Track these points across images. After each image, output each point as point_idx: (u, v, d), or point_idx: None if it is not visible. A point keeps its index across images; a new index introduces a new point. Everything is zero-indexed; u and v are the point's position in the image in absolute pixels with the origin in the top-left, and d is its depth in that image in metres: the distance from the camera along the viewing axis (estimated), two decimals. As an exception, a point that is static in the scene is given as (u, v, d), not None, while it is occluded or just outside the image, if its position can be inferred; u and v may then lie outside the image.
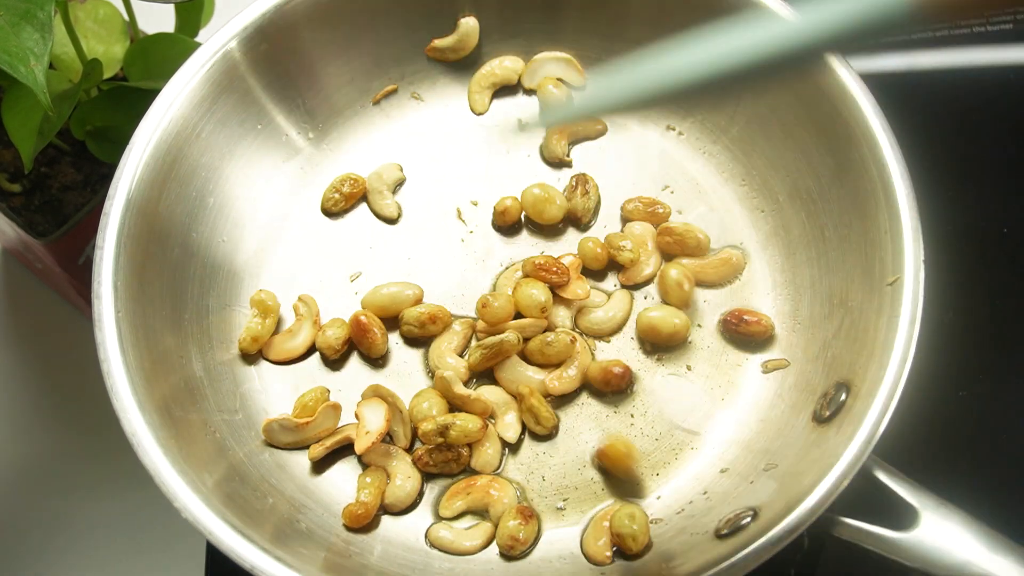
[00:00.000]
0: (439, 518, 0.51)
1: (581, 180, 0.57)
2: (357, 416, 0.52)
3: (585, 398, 0.54)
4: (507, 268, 0.57)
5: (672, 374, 0.54)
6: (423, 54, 0.60)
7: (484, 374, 0.54)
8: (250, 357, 0.55)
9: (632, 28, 0.59)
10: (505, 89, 0.61)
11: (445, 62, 0.61)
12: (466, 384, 0.53)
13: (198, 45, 0.55)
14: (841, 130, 0.53)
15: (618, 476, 0.52)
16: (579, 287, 0.55)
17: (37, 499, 0.62)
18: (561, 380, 0.53)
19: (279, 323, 0.55)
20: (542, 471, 0.52)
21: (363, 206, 0.59)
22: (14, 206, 0.57)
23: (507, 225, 0.58)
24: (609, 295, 0.56)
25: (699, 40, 0.37)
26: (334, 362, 0.55)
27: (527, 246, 0.57)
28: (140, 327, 0.49)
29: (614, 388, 0.53)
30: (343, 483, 0.52)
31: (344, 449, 0.53)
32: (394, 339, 0.55)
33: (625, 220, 0.58)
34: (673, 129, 0.60)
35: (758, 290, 0.56)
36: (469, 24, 0.59)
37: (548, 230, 0.58)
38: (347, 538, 0.50)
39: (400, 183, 0.58)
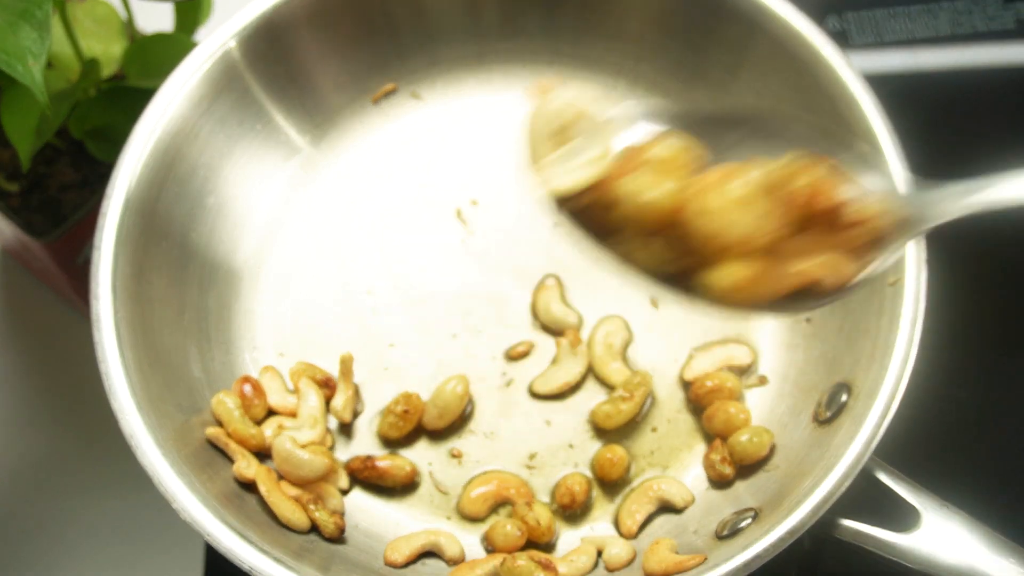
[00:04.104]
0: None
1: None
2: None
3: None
4: None
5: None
6: (423, 53, 0.60)
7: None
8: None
9: (633, 27, 0.58)
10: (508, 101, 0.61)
11: (440, 64, 0.60)
12: None
13: (197, 44, 0.54)
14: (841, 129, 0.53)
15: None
16: None
17: (35, 499, 0.62)
18: None
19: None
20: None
21: (359, 205, 0.59)
22: (12, 206, 0.57)
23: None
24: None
25: None
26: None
27: (527, 249, 0.57)
28: (139, 327, 0.49)
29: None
30: (342, 484, 0.52)
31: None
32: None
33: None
34: (673, 129, 0.60)
35: (758, 290, 0.56)
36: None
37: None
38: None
39: None
